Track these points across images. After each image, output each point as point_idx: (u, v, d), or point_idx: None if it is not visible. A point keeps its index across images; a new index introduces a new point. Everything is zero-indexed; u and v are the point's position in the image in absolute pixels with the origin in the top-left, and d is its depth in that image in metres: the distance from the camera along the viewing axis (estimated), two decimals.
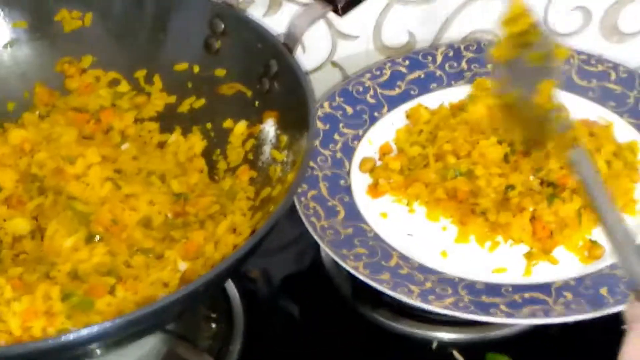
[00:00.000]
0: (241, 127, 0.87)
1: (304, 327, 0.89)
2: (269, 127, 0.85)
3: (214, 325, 0.87)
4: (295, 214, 0.87)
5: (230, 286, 0.90)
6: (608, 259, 0.83)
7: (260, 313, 0.89)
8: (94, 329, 0.62)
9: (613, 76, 1.00)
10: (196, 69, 0.90)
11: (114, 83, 0.92)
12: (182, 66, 0.90)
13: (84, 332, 0.62)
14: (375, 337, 0.86)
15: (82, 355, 0.68)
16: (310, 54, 1.05)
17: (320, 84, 1.03)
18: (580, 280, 0.81)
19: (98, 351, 0.68)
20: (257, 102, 0.86)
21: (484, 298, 0.79)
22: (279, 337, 0.87)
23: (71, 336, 0.62)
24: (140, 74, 0.92)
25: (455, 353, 0.84)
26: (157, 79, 0.91)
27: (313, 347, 0.86)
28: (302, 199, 0.87)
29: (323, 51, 1.06)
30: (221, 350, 0.84)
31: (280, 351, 0.86)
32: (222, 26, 0.88)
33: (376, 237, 0.86)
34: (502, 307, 0.78)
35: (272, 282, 0.95)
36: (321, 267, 0.93)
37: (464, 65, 1.02)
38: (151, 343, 0.81)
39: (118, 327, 0.63)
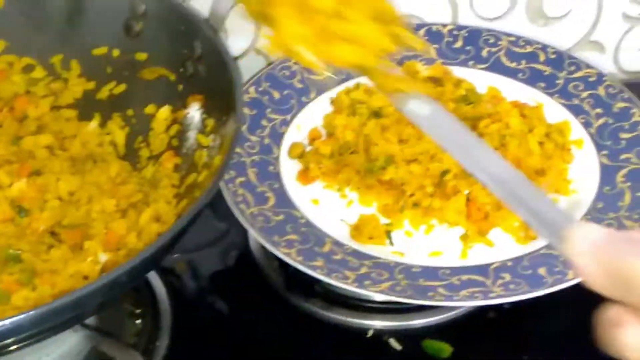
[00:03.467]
0: (164, 112, 0.83)
1: (235, 321, 0.85)
2: (194, 112, 0.81)
3: (139, 322, 0.83)
4: (222, 208, 0.84)
5: (157, 281, 0.86)
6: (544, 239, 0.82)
7: (188, 308, 0.85)
8: (9, 321, 0.57)
9: (542, 57, 0.99)
10: (116, 53, 0.85)
11: (28, 69, 0.87)
12: (101, 50, 0.85)
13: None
14: (309, 328, 0.84)
15: None
16: (234, 41, 1.02)
17: (245, 72, 0.99)
18: (517, 260, 0.79)
19: (14, 347, 0.64)
20: (180, 86, 0.82)
21: (421, 282, 0.77)
22: (208, 331, 0.83)
23: None
24: (57, 59, 0.87)
25: (392, 341, 0.82)
26: (74, 64, 0.87)
27: (245, 340, 0.83)
28: (230, 185, 0.84)
29: (247, 38, 1.03)
30: (148, 346, 0.80)
31: (211, 345, 0.82)
32: (143, 7, 0.83)
33: (308, 223, 0.83)
34: (440, 290, 0.76)
35: (199, 276, 0.91)
36: (250, 260, 0.90)
37: None
38: (73, 340, 0.77)
39: (35, 319, 0.58)
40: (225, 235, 0.94)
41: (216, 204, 0.85)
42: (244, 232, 0.91)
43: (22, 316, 0.58)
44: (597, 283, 0.46)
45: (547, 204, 0.51)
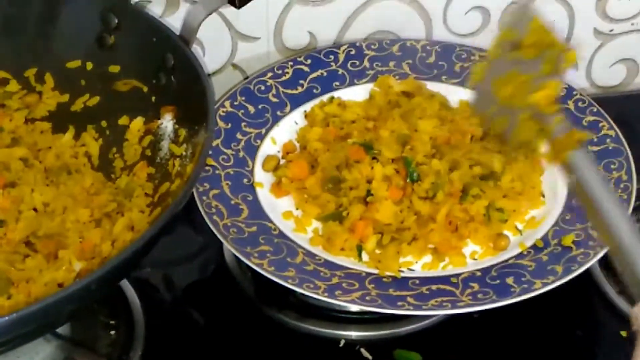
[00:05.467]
0: (138, 123, 0.84)
1: (208, 332, 0.86)
2: (167, 122, 0.82)
3: (113, 333, 0.83)
4: (199, 222, 0.85)
5: (131, 292, 0.86)
6: (513, 250, 0.83)
7: (162, 319, 0.86)
8: None
9: None
10: (89, 65, 0.86)
11: (2, 82, 0.88)
12: (74, 63, 0.87)
13: None
14: (282, 338, 0.84)
15: None
16: (211, 56, 1.03)
17: (222, 87, 1.01)
18: (486, 270, 0.80)
19: None
20: (153, 98, 0.83)
21: (391, 291, 0.78)
22: (182, 342, 0.84)
23: None
24: (31, 72, 0.88)
25: (363, 351, 0.83)
26: (48, 77, 0.88)
27: (218, 351, 0.83)
28: (204, 198, 0.85)
29: (223, 53, 1.04)
30: (121, 357, 0.81)
31: (184, 356, 0.83)
32: (116, 20, 0.85)
33: (281, 234, 0.84)
34: (410, 299, 0.77)
35: (174, 288, 0.92)
36: (225, 273, 0.90)
37: (366, 63, 1.01)
38: (47, 351, 0.78)
39: (8, 325, 0.59)
40: (202, 248, 0.94)
41: (193, 218, 0.86)
42: (220, 245, 0.91)
43: None
44: None
45: None
